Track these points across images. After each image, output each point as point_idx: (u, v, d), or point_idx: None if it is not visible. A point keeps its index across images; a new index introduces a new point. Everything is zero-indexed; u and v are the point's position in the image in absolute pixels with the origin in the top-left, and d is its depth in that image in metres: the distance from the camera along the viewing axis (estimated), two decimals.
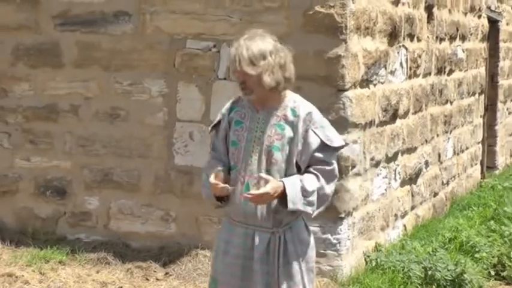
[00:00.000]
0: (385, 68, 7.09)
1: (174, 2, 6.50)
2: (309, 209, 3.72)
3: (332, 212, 6.21)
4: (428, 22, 8.43)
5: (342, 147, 3.92)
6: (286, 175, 3.75)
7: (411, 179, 8.04)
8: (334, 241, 6.28)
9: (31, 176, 7.01)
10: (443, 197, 9.36)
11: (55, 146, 6.94)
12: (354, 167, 6.39)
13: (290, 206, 3.67)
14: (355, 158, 6.39)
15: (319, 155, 3.75)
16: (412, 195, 8.11)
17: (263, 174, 3.71)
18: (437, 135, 9.03)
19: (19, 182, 7.05)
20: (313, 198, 3.71)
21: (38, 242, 6.76)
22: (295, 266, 3.81)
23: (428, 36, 8.46)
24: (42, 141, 6.98)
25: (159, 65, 6.61)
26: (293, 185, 3.68)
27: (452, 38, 9.46)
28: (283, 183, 3.68)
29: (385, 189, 7.30)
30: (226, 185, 3.73)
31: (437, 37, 8.80)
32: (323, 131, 3.78)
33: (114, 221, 6.85)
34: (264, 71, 3.69)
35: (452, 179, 9.87)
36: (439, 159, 9.15)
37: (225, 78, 6.46)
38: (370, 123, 6.76)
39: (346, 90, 6.26)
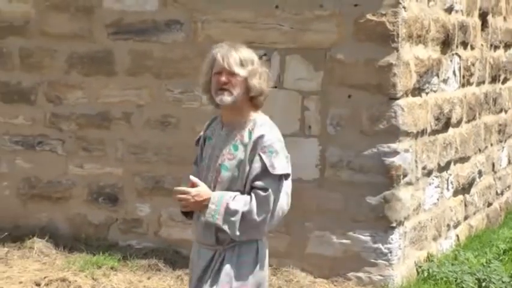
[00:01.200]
0: (438, 76, 7.01)
1: (225, 10, 6.53)
2: (227, 228, 3.55)
3: (383, 221, 6.17)
4: (482, 30, 8.31)
5: (285, 176, 3.64)
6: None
7: (464, 189, 7.92)
8: (385, 250, 6.22)
9: (84, 182, 7.10)
10: (497, 207, 9.20)
11: (107, 153, 7.02)
12: (405, 176, 6.32)
13: (207, 216, 3.57)
14: (406, 167, 6.33)
15: (258, 179, 3.58)
16: (465, 205, 7.99)
17: (193, 178, 3.68)
18: (491, 145, 8.89)
19: (72, 188, 7.15)
20: (235, 218, 3.54)
21: (91, 248, 6.84)
22: (224, 286, 3.64)
23: (482, 44, 8.34)
24: (95, 148, 7.06)
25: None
26: (220, 198, 3.58)
27: (507, 46, 9.31)
28: (212, 194, 3.60)
29: (438, 199, 7.21)
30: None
31: (491, 45, 8.67)
32: (269, 157, 3.59)
33: (164, 228, 6.89)
34: (252, 75, 3.63)
35: (507, 189, 9.70)
36: (493, 169, 9.00)
37: (275, 87, 6.45)
38: (422, 132, 6.68)
39: (398, 98, 6.20)
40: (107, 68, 6.94)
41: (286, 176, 3.66)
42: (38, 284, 6.09)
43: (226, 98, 3.61)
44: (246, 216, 3.55)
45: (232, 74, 3.60)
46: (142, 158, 6.91)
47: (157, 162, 6.86)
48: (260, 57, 6.35)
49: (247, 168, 3.60)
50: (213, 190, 3.64)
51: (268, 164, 3.58)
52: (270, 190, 3.57)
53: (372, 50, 6.19)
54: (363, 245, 6.27)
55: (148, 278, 6.37)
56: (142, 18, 6.79)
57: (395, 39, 6.14)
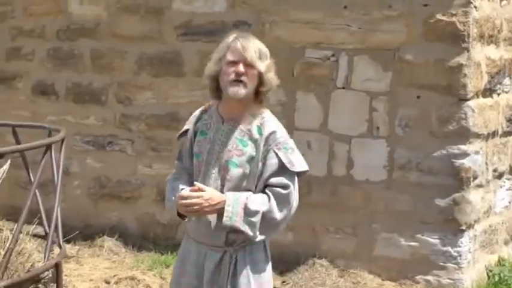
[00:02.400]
0: (510, 77, 6.86)
1: (293, 11, 6.52)
2: (247, 229, 3.40)
3: (452, 224, 6.07)
4: None
5: (304, 172, 3.59)
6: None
7: None
8: (455, 254, 6.12)
9: (153, 182, 7.18)
10: None
11: (176, 153, 7.07)
12: (475, 178, 6.21)
13: (225, 221, 3.39)
14: (476, 169, 6.21)
15: (276, 176, 3.47)
16: None
17: (198, 184, 3.47)
18: None
19: (141, 188, 7.24)
20: (256, 219, 3.41)
21: (159, 247, 6.92)
22: (245, 287, 3.52)
23: None
24: (163, 148, 7.14)
25: (278, 74, 6.57)
26: (236, 200, 3.42)
27: None
28: (227, 196, 3.44)
29: (509, 202, 7.05)
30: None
31: None
32: (285, 153, 3.50)
33: None
34: (268, 70, 3.54)
35: None
36: None
37: (343, 88, 6.42)
38: (493, 134, 6.55)
39: (468, 99, 6.09)
40: (176, 69, 7.01)
41: (302, 173, 3.59)
42: (108, 282, 6.19)
43: (242, 91, 3.47)
44: (266, 215, 3.43)
45: (250, 66, 3.47)
46: None
47: None
48: (328, 58, 6.40)
49: (260, 165, 3.47)
50: (221, 188, 3.49)
51: (286, 161, 3.48)
52: (291, 187, 3.49)
53: (442, 50, 6.09)
54: (431, 247, 6.18)
55: None
56: (211, 20, 6.83)
57: (466, 39, 6.03)
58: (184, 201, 3.47)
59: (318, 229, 6.60)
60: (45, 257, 4.92)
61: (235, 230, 3.44)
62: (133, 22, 7.11)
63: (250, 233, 3.42)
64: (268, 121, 3.56)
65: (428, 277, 6.21)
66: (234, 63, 3.48)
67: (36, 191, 4.92)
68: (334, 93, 6.47)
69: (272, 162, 3.47)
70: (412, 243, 6.25)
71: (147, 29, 7.09)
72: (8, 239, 4.87)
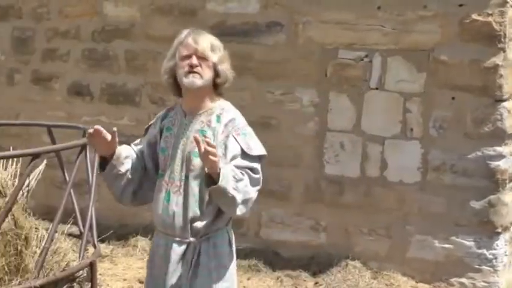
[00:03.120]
0: None
1: (326, 12, 6.50)
2: (236, 194, 3.39)
3: (488, 226, 6.01)
4: None
5: (261, 157, 3.61)
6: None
7: None
8: (490, 256, 6.06)
9: None
10: None
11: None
12: (511, 180, 6.14)
13: (221, 181, 3.34)
14: None
15: (241, 160, 3.50)
16: None
17: (202, 138, 3.43)
18: None
19: None
20: (241, 185, 3.42)
21: None
22: (205, 280, 3.54)
23: None
24: None
25: (311, 74, 6.63)
26: (226, 165, 3.43)
27: None
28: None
29: None
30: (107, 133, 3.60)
31: None
32: (244, 139, 3.55)
33: (265, 229, 6.92)
34: (221, 60, 3.59)
35: None
36: None
37: (377, 88, 6.39)
38: None
39: (504, 101, 6.03)
40: None
41: (261, 158, 3.61)
42: (141, 282, 6.20)
43: (197, 81, 3.52)
44: (245, 187, 3.47)
45: (203, 58, 3.54)
46: None
47: None
48: (361, 59, 6.38)
49: (220, 151, 3.48)
50: (186, 179, 3.53)
51: (244, 146, 3.52)
52: (260, 172, 3.55)
53: (477, 50, 6.04)
54: (466, 250, 6.13)
55: (248, 279, 6.42)
56: (244, 20, 6.84)
57: (502, 39, 5.97)
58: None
59: (351, 230, 6.57)
60: (80, 256, 4.96)
61: (199, 214, 3.49)
62: (167, 23, 7.14)
63: (238, 199, 3.42)
64: (227, 111, 3.63)
65: (463, 280, 6.15)
66: (188, 56, 3.54)
67: (71, 190, 4.97)
68: (368, 94, 6.45)
69: (234, 146, 3.52)
70: (447, 246, 6.20)
71: (180, 30, 7.11)
72: (43, 238, 4.92)
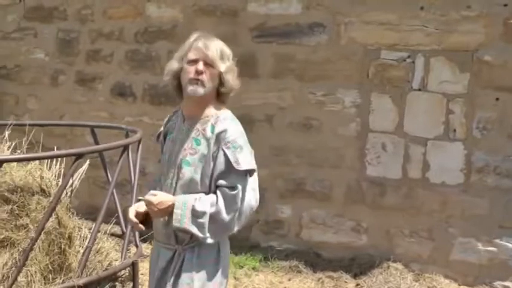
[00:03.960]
0: None
1: (369, 13, 6.47)
2: (196, 230, 3.35)
3: None
4: None
5: (250, 171, 3.45)
6: (196, 193, 3.42)
7: None
8: None
9: None
10: None
11: None
12: None
13: (174, 223, 3.36)
14: None
15: (224, 176, 3.39)
16: None
17: (151, 191, 3.46)
18: None
19: None
20: (203, 220, 3.35)
21: (233, 248, 6.86)
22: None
23: None
24: None
25: (353, 75, 6.61)
26: (184, 202, 3.37)
27: None
28: (176, 199, 3.40)
29: None
30: (141, 226, 3.55)
31: None
32: (233, 152, 3.40)
33: (306, 230, 6.92)
34: (229, 70, 3.49)
35: None
36: None
37: (419, 89, 6.34)
38: None
39: None
40: (251, 71, 7.04)
41: (251, 172, 3.47)
42: None
43: (200, 90, 3.43)
44: (214, 217, 3.36)
45: (210, 65, 3.43)
46: (284, 160, 6.96)
47: (299, 164, 6.90)
48: (404, 60, 6.33)
49: (211, 164, 3.41)
50: (175, 186, 3.48)
51: (232, 160, 3.38)
52: (239, 188, 3.39)
53: None
54: (510, 253, 6.05)
55: (289, 280, 6.41)
56: (286, 21, 6.84)
57: None
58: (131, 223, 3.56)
59: (393, 232, 6.53)
60: (122, 255, 5.01)
61: (185, 231, 3.41)
62: (209, 24, 7.17)
63: (200, 234, 3.37)
64: (222, 120, 3.49)
65: (507, 283, 6.08)
66: (195, 61, 3.44)
67: (114, 190, 5.02)
68: (410, 95, 6.40)
69: (221, 161, 3.40)
70: (490, 248, 6.13)
71: (222, 30, 7.13)
72: (86, 237, 4.99)
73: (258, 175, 7.03)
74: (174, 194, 3.47)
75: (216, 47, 3.46)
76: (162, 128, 3.75)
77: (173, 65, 3.55)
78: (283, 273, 6.53)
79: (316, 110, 6.78)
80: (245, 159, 3.44)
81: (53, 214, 4.58)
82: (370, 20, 6.48)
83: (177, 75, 3.52)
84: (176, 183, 3.48)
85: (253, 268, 6.56)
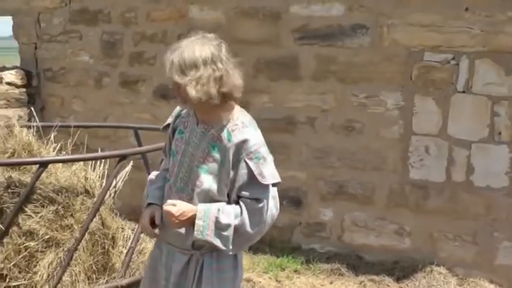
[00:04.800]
0: None
1: (412, 14, 6.42)
2: (219, 243, 3.26)
3: None
4: None
5: (275, 185, 3.36)
6: (214, 201, 3.31)
7: None
8: None
9: None
10: None
11: (292, 157, 7.11)
12: None
13: (195, 234, 3.26)
14: None
15: (248, 188, 3.27)
16: None
17: (165, 207, 3.32)
18: None
19: None
20: (228, 233, 3.25)
21: (275, 250, 6.96)
22: None
23: None
24: (279, 152, 7.15)
25: (396, 77, 6.56)
26: (207, 213, 3.26)
27: None
28: (198, 208, 3.28)
29: None
30: (157, 233, 3.49)
31: None
32: (257, 164, 3.28)
33: (347, 233, 6.89)
34: (190, 82, 3.20)
35: None
36: None
37: (464, 92, 6.27)
38: None
39: None
40: (293, 73, 7.03)
41: (276, 184, 3.37)
42: None
43: (182, 105, 3.42)
44: (238, 229, 3.27)
45: (174, 82, 3.27)
46: (326, 163, 6.94)
47: (340, 167, 6.87)
48: (448, 61, 6.27)
49: (232, 174, 3.29)
50: (191, 192, 3.35)
51: (256, 173, 3.26)
52: (264, 201, 3.29)
53: None
54: None
55: (331, 283, 6.39)
56: (328, 23, 6.82)
57: None
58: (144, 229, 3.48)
59: (436, 236, 6.47)
60: None
61: (207, 242, 3.32)
62: (251, 26, 7.19)
63: (223, 247, 3.29)
64: (241, 127, 3.35)
65: None
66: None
67: None
68: (454, 97, 6.33)
69: (243, 172, 3.28)
70: None
71: (265, 33, 7.15)
72: (129, 238, 5.03)
73: (299, 177, 7.05)
74: (189, 198, 3.37)
75: (175, 62, 3.26)
76: (170, 119, 3.63)
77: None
78: (324, 275, 6.52)
79: (358, 112, 6.75)
80: (270, 171, 3.34)
81: (97, 215, 4.63)
82: (414, 21, 6.42)
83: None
84: (193, 190, 3.36)
85: (295, 270, 6.55)
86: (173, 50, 3.30)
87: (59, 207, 4.39)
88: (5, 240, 4.09)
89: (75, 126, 4.93)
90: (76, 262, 4.43)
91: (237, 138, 3.29)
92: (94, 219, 4.61)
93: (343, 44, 6.77)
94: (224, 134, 3.32)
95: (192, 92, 3.21)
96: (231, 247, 3.30)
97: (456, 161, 6.35)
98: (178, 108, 3.62)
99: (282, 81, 7.11)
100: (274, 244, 7.08)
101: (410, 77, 6.49)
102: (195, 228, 3.26)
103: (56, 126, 4.80)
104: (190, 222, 3.29)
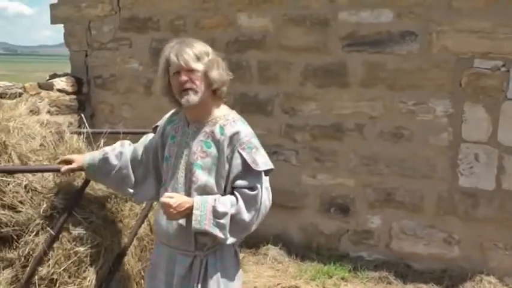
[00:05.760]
0: None
1: (462, 21, 6.36)
2: (218, 232, 3.32)
3: None
4: None
5: (270, 170, 3.48)
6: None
7: None
8: None
9: (317, 192, 7.23)
10: None
11: (340, 164, 7.09)
12: None
13: (194, 224, 3.31)
14: None
15: (242, 177, 3.38)
16: None
17: (163, 199, 3.35)
18: None
19: (305, 198, 7.30)
20: (225, 221, 3.32)
21: (322, 258, 6.94)
22: None
23: None
24: (327, 159, 7.17)
25: (445, 84, 6.50)
26: (204, 203, 3.34)
27: None
28: (195, 200, 3.35)
29: None
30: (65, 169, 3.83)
31: None
32: (249, 153, 3.40)
33: (396, 241, 6.84)
34: (211, 66, 3.43)
35: None
36: None
37: (511, 99, 6.19)
38: None
39: None
40: (341, 80, 7.02)
41: (267, 172, 3.47)
42: None
43: (193, 98, 3.43)
44: (234, 217, 3.35)
45: (190, 70, 3.41)
46: (374, 170, 6.90)
47: (389, 174, 6.83)
48: (498, 68, 6.18)
49: (227, 166, 3.40)
50: (189, 190, 3.44)
51: (250, 161, 3.38)
52: (258, 188, 3.40)
53: None
54: None
55: None
56: (377, 30, 6.79)
57: None
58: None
59: (486, 245, 6.39)
60: None
61: (205, 233, 3.38)
62: (299, 33, 7.19)
63: (221, 236, 3.35)
64: (232, 122, 3.50)
65: None
66: (177, 73, 3.44)
67: None
68: (505, 104, 6.25)
69: (237, 163, 3.39)
70: None
71: (313, 40, 7.15)
72: None
73: (348, 184, 7.03)
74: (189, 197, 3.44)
75: (188, 51, 3.42)
76: (160, 122, 3.77)
77: (160, 83, 3.56)
78: (372, 283, 6.48)
79: (407, 120, 6.70)
80: (262, 159, 3.44)
81: (146, 220, 4.68)
82: (463, 27, 6.36)
83: (169, 90, 3.53)
84: (190, 187, 3.45)
85: (342, 278, 6.53)
86: (172, 47, 3.46)
87: (108, 212, 4.44)
88: (55, 245, 4.16)
89: (124, 133, 4.97)
90: (124, 267, 4.48)
91: (229, 131, 3.43)
92: (142, 225, 4.66)
93: (392, 51, 6.73)
94: (217, 129, 3.46)
95: (215, 73, 3.43)
96: (228, 235, 3.37)
97: (506, 169, 6.26)
98: (169, 115, 3.76)
99: (329, 88, 7.10)
100: (322, 252, 7.07)
101: (459, 84, 6.42)
102: (193, 219, 3.32)
103: (105, 133, 4.85)
104: (188, 213, 3.36)
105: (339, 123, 7.06)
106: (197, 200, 3.37)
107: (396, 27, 6.69)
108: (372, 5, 6.77)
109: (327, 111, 7.14)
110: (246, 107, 7.56)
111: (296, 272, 6.63)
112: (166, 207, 3.34)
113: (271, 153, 7.43)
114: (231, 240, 3.41)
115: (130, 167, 3.84)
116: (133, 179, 3.83)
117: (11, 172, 4.28)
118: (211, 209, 3.33)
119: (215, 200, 3.36)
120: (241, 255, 6.94)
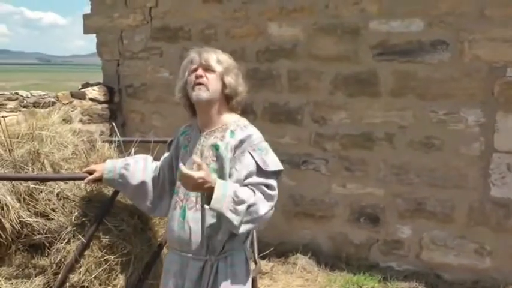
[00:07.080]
0: None
1: (494, 29, 6.31)
2: (233, 216, 3.30)
3: None
4: None
5: (278, 172, 3.49)
6: None
7: None
8: None
9: (346, 202, 7.20)
10: None
11: (369, 173, 7.06)
12: None
13: (213, 203, 3.27)
14: None
15: (256, 177, 3.41)
16: None
17: (196, 159, 3.37)
18: None
19: (334, 207, 7.29)
20: (242, 208, 3.30)
21: (351, 267, 6.92)
22: None
23: None
24: (357, 168, 7.14)
25: (477, 94, 6.45)
26: (225, 186, 3.33)
27: None
28: (216, 180, 3.34)
29: None
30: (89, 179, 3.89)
31: None
32: (260, 154, 3.45)
33: (426, 251, 6.79)
34: (228, 72, 3.56)
35: None
36: None
37: None
38: None
39: None
40: (371, 89, 7.00)
41: (277, 173, 3.50)
42: None
43: (202, 94, 3.51)
44: (249, 208, 3.35)
45: (208, 69, 3.53)
46: (404, 180, 6.87)
47: (419, 184, 6.79)
48: None
49: (238, 166, 3.44)
50: (202, 195, 3.44)
51: (260, 162, 3.43)
52: (275, 188, 3.46)
53: None
54: None
55: None
56: (408, 39, 6.76)
57: None
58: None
59: None
60: None
61: (216, 231, 3.43)
62: (329, 42, 7.19)
63: (235, 222, 3.32)
64: (242, 127, 3.58)
65: None
66: (195, 70, 3.56)
67: None
68: None
69: (247, 163, 3.44)
70: None
71: (343, 49, 7.14)
72: None
73: (377, 194, 7.01)
74: (201, 202, 3.47)
75: (211, 53, 3.59)
76: (174, 136, 3.87)
77: (179, 82, 3.67)
78: None
79: (437, 129, 6.66)
80: (272, 160, 3.50)
81: None
82: (495, 36, 6.31)
83: (185, 92, 3.63)
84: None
85: None
86: (197, 50, 3.63)
87: (138, 220, 4.47)
88: (86, 253, 4.19)
89: (155, 142, 5.00)
90: (154, 276, 4.50)
91: (240, 135, 3.52)
92: None
93: (423, 60, 6.70)
94: (227, 134, 3.54)
95: (231, 79, 3.56)
96: (237, 223, 3.34)
97: None
98: (182, 128, 3.85)
99: (359, 97, 7.08)
100: (351, 261, 7.04)
101: (491, 93, 6.38)
102: (213, 197, 3.29)
103: (136, 141, 4.89)
104: (204, 190, 3.33)
105: (369, 133, 7.04)
106: (219, 182, 3.36)
107: (427, 37, 6.66)
108: (403, 15, 6.75)
109: (357, 121, 7.12)
110: (275, 116, 7.57)
111: (325, 282, 6.61)
112: (187, 178, 3.31)
113: (301, 162, 7.44)
114: (242, 228, 3.38)
115: (151, 183, 3.89)
116: (151, 195, 3.88)
117: (43, 180, 4.33)
118: (232, 193, 3.33)
119: (236, 186, 3.38)
120: (270, 265, 6.97)
